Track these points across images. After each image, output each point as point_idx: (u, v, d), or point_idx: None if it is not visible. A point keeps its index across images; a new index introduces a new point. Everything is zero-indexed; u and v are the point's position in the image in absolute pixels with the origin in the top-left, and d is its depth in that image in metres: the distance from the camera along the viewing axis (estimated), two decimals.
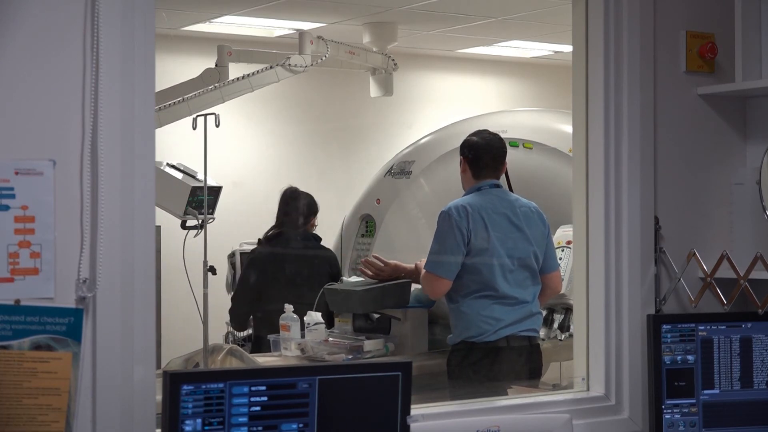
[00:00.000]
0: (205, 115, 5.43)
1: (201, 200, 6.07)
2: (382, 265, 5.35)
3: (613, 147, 3.57)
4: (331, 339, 5.33)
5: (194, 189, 6.01)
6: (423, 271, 4.97)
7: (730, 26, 3.69)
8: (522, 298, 4.87)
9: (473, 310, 4.85)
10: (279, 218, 6.49)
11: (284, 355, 5.35)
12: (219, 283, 6.50)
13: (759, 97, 3.74)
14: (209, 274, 5.72)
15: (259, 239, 6.43)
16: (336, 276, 6.45)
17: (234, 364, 5.01)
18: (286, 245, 6.45)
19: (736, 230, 3.70)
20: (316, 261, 6.42)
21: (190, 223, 6.22)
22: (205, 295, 5.30)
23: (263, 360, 5.27)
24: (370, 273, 5.37)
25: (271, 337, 5.54)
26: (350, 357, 5.17)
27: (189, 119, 5.37)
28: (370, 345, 5.24)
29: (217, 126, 5.42)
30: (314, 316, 5.38)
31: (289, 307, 5.48)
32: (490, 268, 4.83)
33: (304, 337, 5.32)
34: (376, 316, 5.48)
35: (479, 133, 5.04)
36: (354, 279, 5.63)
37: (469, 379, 4.88)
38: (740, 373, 3.47)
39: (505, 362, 4.88)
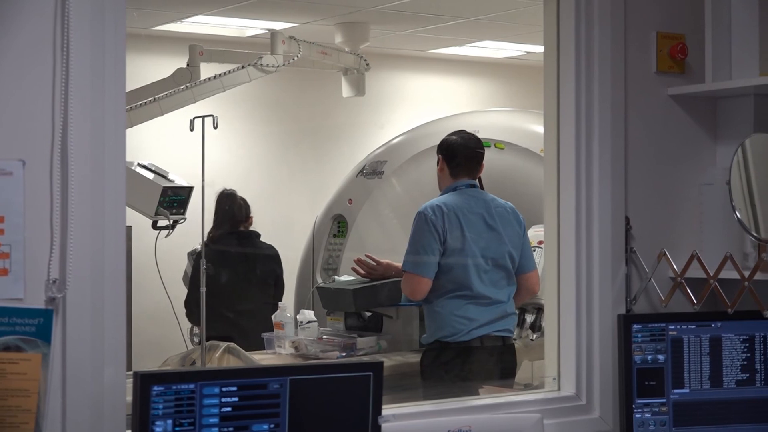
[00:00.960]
0: (203, 117, 5.42)
1: (172, 200, 6.05)
2: (374, 263, 5.41)
3: (584, 147, 3.58)
4: (324, 337, 5.41)
5: (165, 189, 5.99)
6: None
7: (701, 27, 3.71)
8: (496, 298, 4.88)
9: (447, 310, 4.86)
10: (220, 218, 6.48)
11: (278, 353, 5.44)
12: None
13: (729, 98, 3.75)
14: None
15: (205, 242, 6.42)
16: (280, 274, 6.49)
17: (231, 361, 5.08)
18: (238, 244, 6.47)
19: (706, 230, 3.72)
20: (263, 258, 6.46)
21: (162, 223, 6.21)
22: (202, 294, 5.32)
23: (259, 357, 5.34)
24: (362, 272, 5.43)
25: (264, 335, 5.60)
26: (344, 354, 5.25)
27: (185, 120, 5.35)
28: (363, 342, 5.35)
29: (215, 128, 5.42)
30: (307, 315, 5.50)
31: (283, 306, 5.55)
32: (465, 268, 4.84)
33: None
34: (368, 314, 5.56)
35: (457, 133, 5.08)
36: (345, 278, 5.67)
37: (441, 378, 4.89)
38: (710, 372, 3.49)
39: (479, 362, 4.89)
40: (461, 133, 5.08)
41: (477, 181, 5.04)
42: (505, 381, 4.96)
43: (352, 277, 5.58)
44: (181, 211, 6.16)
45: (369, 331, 5.49)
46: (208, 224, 6.40)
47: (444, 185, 5.00)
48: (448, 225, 4.83)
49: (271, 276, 6.41)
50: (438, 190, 5.05)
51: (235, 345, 5.24)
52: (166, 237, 6.30)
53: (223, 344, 5.19)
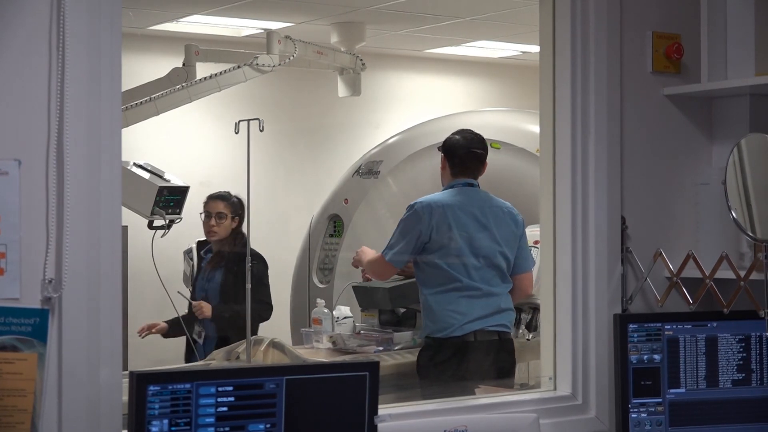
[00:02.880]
0: (249, 120, 5.41)
1: (168, 200, 6.03)
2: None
3: (580, 147, 3.58)
4: (362, 332, 5.62)
5: (161, 189, 5.98)
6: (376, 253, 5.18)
7: (696, 27, 3.71)
8: (487, 289, 4.91)
9: (439, 305, 4.91)
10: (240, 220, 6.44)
11: (316, 347, 5.61)
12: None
13: (724, 98, 3.76)
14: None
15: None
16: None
17: (276, 356, 5.18)
18: (234, 244, 6.46)
19: (701, 230, 3.72)
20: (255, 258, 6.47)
21: (158, 223, 6.18)
22: (247, 290, 5.35)
23: (302, 352, 5.47)
24: None
25: (303, 330, 5.80)
26: (381, 349, 5.44)
27: (230, 123, 5.35)
28: (399, 337, 5.53)
29: (261, 131, 5.42)
30: (343, 310, 5.70)
31: (320, 302, 5.71)
32: (454, 265, 4.89)
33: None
34: (402, 310, 5.75)
35: (460, 132, 5.14)
36: None
37: (436, 376, 4.91)
38: (706, 372, 3.49)
39: (474, 358, 4.91)
40: (464, 132, 5.12)
41: (476, 180, 5.07)
42: (505, 379, 4.97)
43: None
44: (177, 210, 6.14)
45: (402, 327, 5.68)
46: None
47: (445, 183, 5.07)
48: (435, 222, 4.89)
49: (265, 276, 6.41)
50: (436, 188, 5.12)
51: (280, 340, 5.31)
52: (162, 237, 6.28)
53: (268, 339, 5.26)
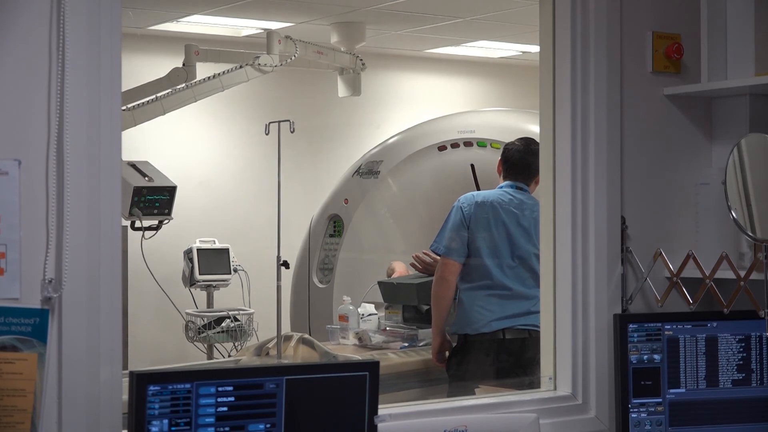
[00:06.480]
0: (279, 122, 5.40)
1: (152, 200, 5.97)
2: (431, 260, 5.64)
3: (580, 147, 3.58)
4: (388, 328, 5.73)
5: (138, 189, 5.89)
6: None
7: (696, 27, 3.71)
8: (518, 290, 4.98)
9: (470, 301, 5.01)
10: None
11: (342, 344, 5.73)
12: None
13: (724, 98, 3.76)
14: (282, 268, 5.73)
15: None
16: None
17: (305, 351, 5.25)
18: None
19: (701, 230, 3.72)
20: None
21: (146, 223, 6.11)
22: (278, 288, 5.36)
23: (330, 347, 5.55)
24: (420, 267, 5.72)
25: (328, 327, 5.90)
26: (406, 345, 5.57)
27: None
28: (424, 334, 5.65)
29: (292, 132, 5.42)
30: (368, 308, 5.85)
31: (347, 299, 5.87)
32: (489, 261, 4.96)
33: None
34: (425, 307, 5.80)
35: (518, 139, 5.25)
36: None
37: (463, 375, 4.97)
38: (706, 372, 3.49)
39: (502, 356, 4.95)
40: (518, 140, 5.24)
41: (525, 184, 5.16)
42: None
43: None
44: (166, 211, 6.06)
45: (426, 324, 5.72)
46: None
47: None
48: (474, 214, 5.01)
49: None
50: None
51: (309, 336, 5.36)
52: (148, 238, 6.24)
53: (298, 335, 5.31)
